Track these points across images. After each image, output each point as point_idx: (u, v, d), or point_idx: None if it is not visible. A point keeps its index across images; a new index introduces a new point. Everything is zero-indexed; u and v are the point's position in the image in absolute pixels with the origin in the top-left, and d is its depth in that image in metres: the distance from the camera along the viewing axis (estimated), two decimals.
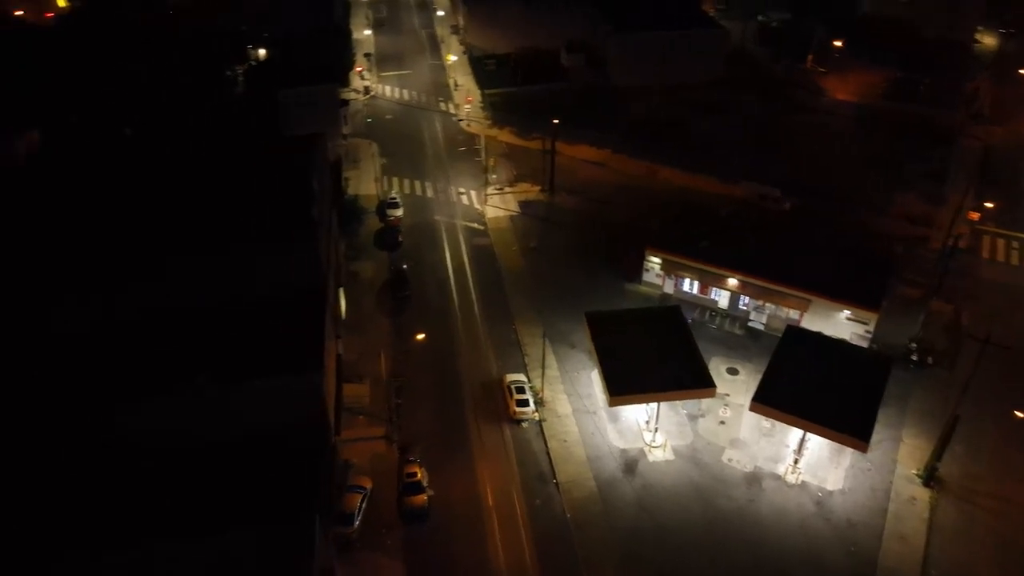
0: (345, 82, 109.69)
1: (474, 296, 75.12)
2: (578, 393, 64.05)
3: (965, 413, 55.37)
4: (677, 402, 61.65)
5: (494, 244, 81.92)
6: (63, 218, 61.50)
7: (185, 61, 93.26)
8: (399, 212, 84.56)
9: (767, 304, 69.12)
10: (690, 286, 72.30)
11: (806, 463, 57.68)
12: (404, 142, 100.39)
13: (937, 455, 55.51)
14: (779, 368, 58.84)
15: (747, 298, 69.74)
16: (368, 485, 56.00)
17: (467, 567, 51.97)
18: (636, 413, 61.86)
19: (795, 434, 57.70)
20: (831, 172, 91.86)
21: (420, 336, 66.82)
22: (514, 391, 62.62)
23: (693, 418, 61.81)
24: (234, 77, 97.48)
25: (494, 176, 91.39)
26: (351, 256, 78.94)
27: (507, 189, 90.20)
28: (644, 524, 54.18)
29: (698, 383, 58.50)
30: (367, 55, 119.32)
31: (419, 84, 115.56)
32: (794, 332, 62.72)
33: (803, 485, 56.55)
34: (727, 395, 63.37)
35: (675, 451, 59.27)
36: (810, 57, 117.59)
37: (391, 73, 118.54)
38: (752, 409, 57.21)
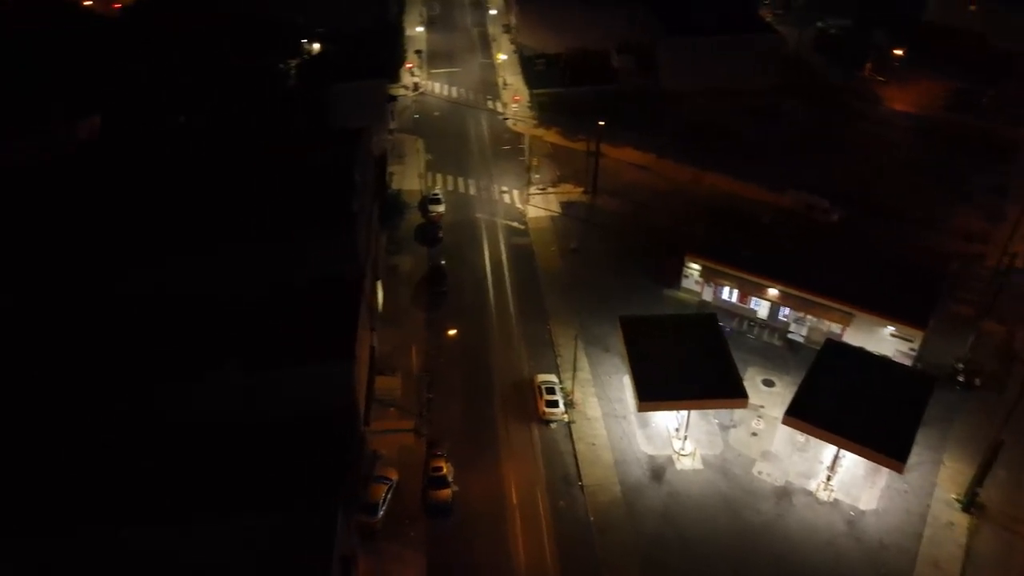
0: (395, 78, 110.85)
1: (510, 295, 75.12)
2: (609, 397, 63.54)
3: (1010, 438, 53.31)
4: (709, 411, 60.71)
5: (533, 244, 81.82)
6: (117, 199, 63.63)
7: (239, 54, 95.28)
8: (441, 208, 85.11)
9: (808, 316, 67.54)
10: (729, 294, 71.09)
11: (839, 481, 56.19)
12: (450, 139, 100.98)
13: (978, 480, 53.51)
14: (816, 382, 57.47)
15: (787, 309, 68.26)
16: (394, 477, 56.44)
17: (488, 564, 51.96)
18: (666, 420, 61.10)
19: (829, 450, 56.23)
20: (884, 184, 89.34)
21: (452, 332, 67.10)
22: (544, 391, 62.43)
23: (725, 428, 60.76)
24: (287, 70, 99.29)
25: (537, 176, 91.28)
26: (391, 250, 79.70)
27: (550, 189, 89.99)
28: (668, 532, 53.47)
29: (730, 393, 57.46)
30: (418, 52, 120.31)
31: (468, 82, 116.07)
32: (833, 346, 61.15)
33: (835, 503, 55.10)
34: (761, 407, 62.12)
35: (704, 460, 58.34)
36: (868, 65, 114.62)
37: (441, 70, 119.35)
38: (785, 422, 55.97)
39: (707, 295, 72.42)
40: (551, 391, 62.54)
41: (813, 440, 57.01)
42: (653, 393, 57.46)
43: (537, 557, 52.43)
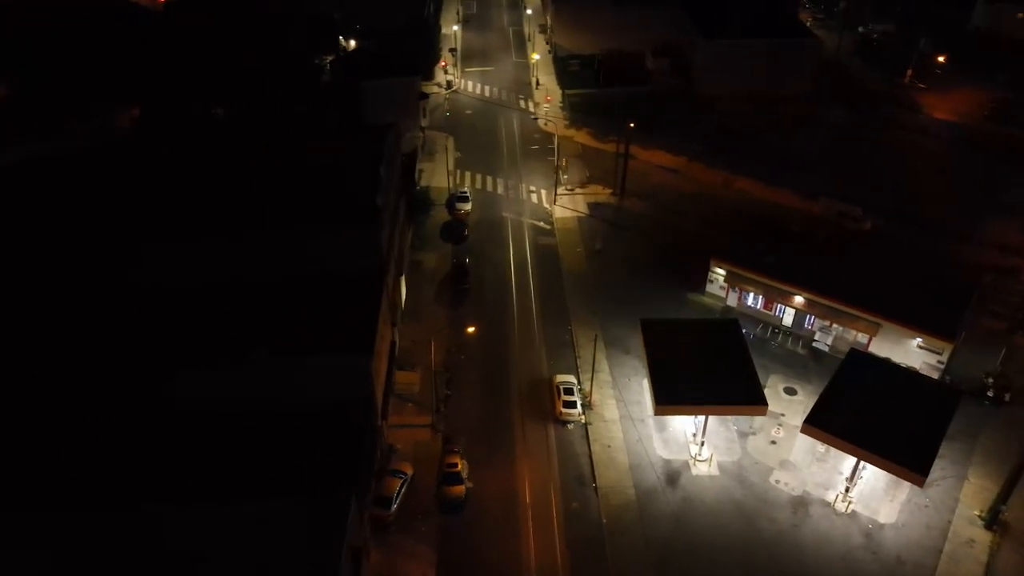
0: (429, 76, 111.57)
1: (533, 294, 75.16)
2: (627, 399, 63.24)
3: None
4: (728, 418, 60.12)
5: (559, 244, 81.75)
6: (151, 185, 65.23)
7: (275, 50, 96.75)
8: (468, 206, 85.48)
9: (834, 325, 66.49)
10: (754, 300, 70.30)
11: (859, 492, 55.24)
12: (480, 137, 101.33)
13: (1002, 497, 52.20)
14: (837, 391, 56.61)
15: (813, 317, 67.27)
16: (409, 471, 56.89)
17: (498, 562, 52.09)
18: (684, 425, 60.65)
19: (849, 461, 55.32)
20: (920, 194, 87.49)
21: (471, 329, 67.29)
22: (562, 392, 62.39)
23: (743, 435, 60.12)
24: (321, 66, 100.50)
25: (566, 176, 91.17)
26: (416, 246, 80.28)
27: (578, 190, 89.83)
28: (679, 538, 53.08)
29: (749, 399, 56.85)
30: (452, 50, 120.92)
31: (501, 81, 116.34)
32: (857, 355, 60.18)
33: (853, 515, 54.17)
34: (782, 415, 61.33)
35: (720, 467, 57.78)
36: (909, 72, 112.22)
37: (475, 69, 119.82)
38: (803, 431, 55.22)
39: (731, 300, 71.71)
40: (569, 392, 62.46)
41: (833, 451, 56.14)
42: (670, 397, 57.11)
43: (548, 557, 52.41)
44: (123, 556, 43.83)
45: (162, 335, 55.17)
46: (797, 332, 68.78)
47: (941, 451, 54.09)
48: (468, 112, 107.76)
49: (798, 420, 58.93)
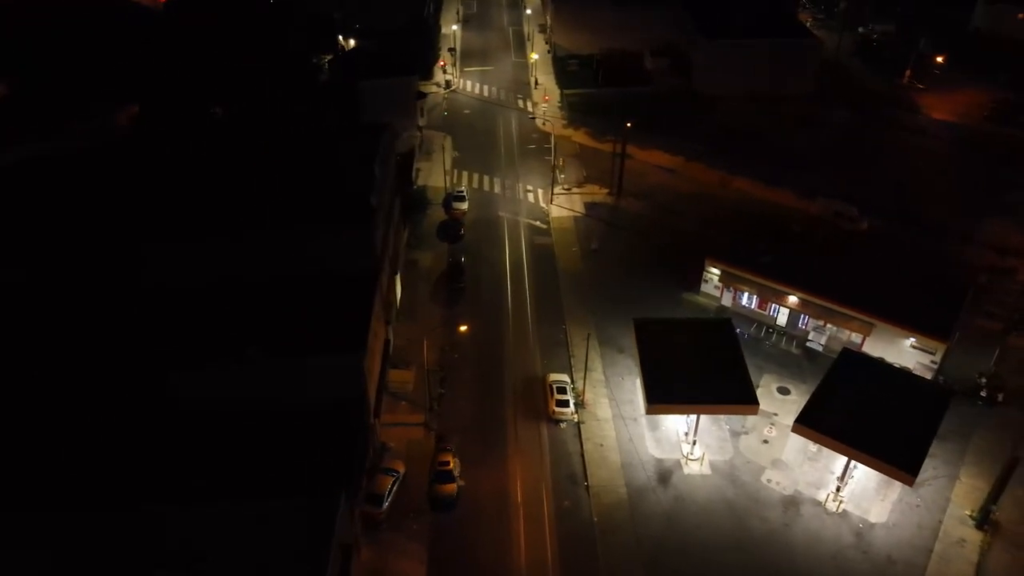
0: (428, 76, 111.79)
1: (528, 293, 75.30)
2: (620, 399, 63.33)
3: None
4: (720, 417, 60.17)
5: (555, 244, 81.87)
6: (150, 185, 65.62)
7: (272, 50, 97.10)
8: (464, 205, 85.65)
9: (828, 325, 66.49)
10: (748, 300, 70.30)
11: (850, 492, 55.24)
12: (478, 137, 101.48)
13: (993, 497, 52.16)
14: (829, 391, 56.64)
15: (807, 317, 67.27)
16: (401, 469, 57.06)
17: (488, 560, 52.20)
18: (676, 424, 60.70)
19: (840, 461, 55.30)
20: (918, 194, 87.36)
21: (463, 328, 67.42)
22: (555, 391, 62.50)
23: (736, 434, 60.15)
24: (320, 65, 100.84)
25: (563, 176, 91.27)
26: (412, 244, 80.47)
27: (574, 190, 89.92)
28: (671, 536, 53.15)
29: (740, 399, 56.91)
30: (451, 50, 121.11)
31: (500, 81, 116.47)
32: (849, 355, 60.17)
33: (844, 515, 54.18)
34: (775, 414, 61.36)
35: (712, 466, 57.83)
36: (908, 72, 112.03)
37: (474, 68, 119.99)
38: (794, 431, 55.28)
39: (726, 300, 71.73)
40: (562, 391, 62.58)
41: (825, 450, 56.17)
42: (662, 396, 57.21)
43: (538, 556, 52.51)
44: (122, 556, 44.00)
45: (158, 335, 55.42)
46: (791, 332, 68.79)
47: (933, 451, 54.16)
48: (466, 112, 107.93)
49: (791, 419, 58.76)
